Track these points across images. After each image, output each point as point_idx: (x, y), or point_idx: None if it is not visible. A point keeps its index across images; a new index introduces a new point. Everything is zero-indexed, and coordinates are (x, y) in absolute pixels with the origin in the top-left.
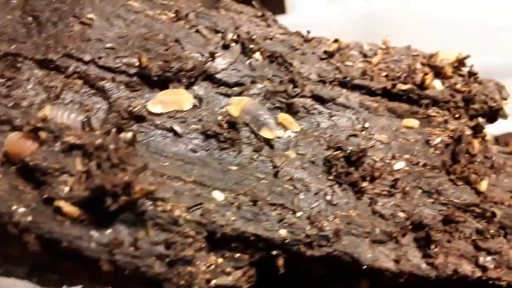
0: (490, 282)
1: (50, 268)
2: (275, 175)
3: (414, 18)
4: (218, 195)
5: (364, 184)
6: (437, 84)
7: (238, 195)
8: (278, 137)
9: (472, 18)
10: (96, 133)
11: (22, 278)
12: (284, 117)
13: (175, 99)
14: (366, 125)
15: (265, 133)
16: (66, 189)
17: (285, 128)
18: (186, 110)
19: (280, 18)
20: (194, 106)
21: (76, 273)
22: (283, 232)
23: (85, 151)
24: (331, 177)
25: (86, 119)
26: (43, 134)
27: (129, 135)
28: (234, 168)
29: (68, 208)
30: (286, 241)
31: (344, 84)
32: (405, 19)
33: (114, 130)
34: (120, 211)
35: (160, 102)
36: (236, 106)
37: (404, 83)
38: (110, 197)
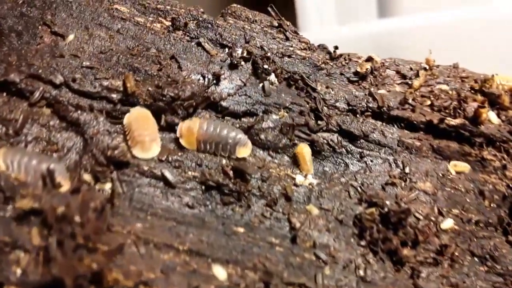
0: None
1: None
2: (293, 240)
3: (427, 37)
4: (220, 272)
5: (405, 251)
6: (493, 117)
7: (245, 270)
8: (296, 185)
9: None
10: (61, 192)
11: None
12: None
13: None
14: (407, 169)
15: (242, 153)
16: (18, 271)
17: (298, 167)
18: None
19: None
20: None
21: None
22: None
23: (44, 220)
24: (363, 243)
25: (50, 169)
26: None
27: (106, 190)
28: (241, 230)
29: None
30: None
31: (379, 115)
32: (418, 37)
33: (85, 188)
34: None
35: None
36: (187, 137)
37: (454, 116)
38: None
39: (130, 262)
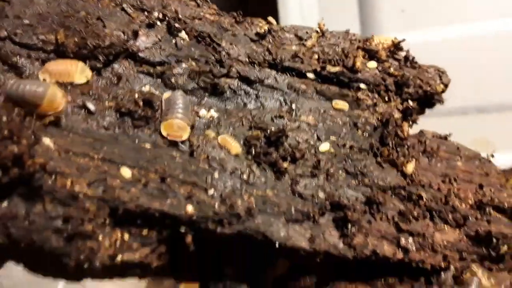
0: (414, 264)
1: None
2: (191, 154)
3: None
4: (126, 172)
5: (285, 164)
6: (372, 66)
7: (148, 173)
8: (199, 117)
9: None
10: None
11: None
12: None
13: (67, 70)
14: (293, 106)
15: (163, 128)
16: None
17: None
18: (83, 84)
19: None
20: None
21: None
22: (190, 208)
23: None
24: (249, 157)
25: None
26: None
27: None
28: (148, 146)
29: None
30: (193, 218)
31: (273, 66)
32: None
33: (9, 104)
34: (14, 184)
35: (48, 71)
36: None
37: (335, 65)
38: (0, 170)
39: (49, 158)
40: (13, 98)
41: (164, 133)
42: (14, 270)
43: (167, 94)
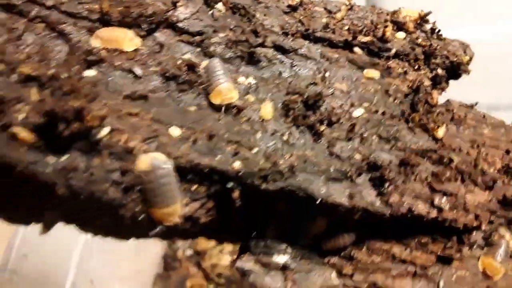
0: (447, 224)
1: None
2: (234, 116)
3: None
4: (175, 131)
5: (322, 127)
6: (401, 36)
7: (195, 132)
8: (238, 83)
9: None
10: (52, 66)
11: None
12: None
13: (116, 37)
14: (327, 74)
15: (213, 96)
16: (22, 116)
17: None
18: (131, 51)
19: None
20: (150, 50)
21: (35, 200)
22: (237, 164)
23: (40, 82)
24: (288, 120)
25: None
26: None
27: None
28: (193, 109)
29: (23, 133)
30: (240, 173)
31: (306, 36)
32: None
33: (71, 62)
34: (74, 138)
35: (100, 37)
36: None
37: (365, 35)
38: (63, 123)
39: (106, 114)
40: None
41: (216, 101)
42: (24, 268)
43: (205, 62)
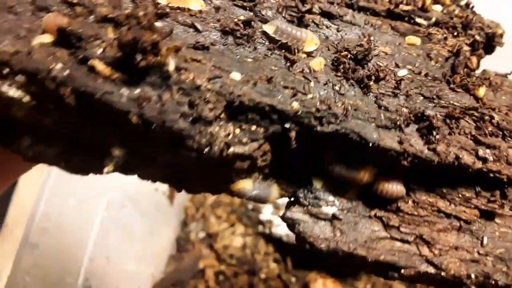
0: (491, 175)
1: (80, 145)
2: (288, 68)
3: None
4: (236, 75)
5: (370, 82)
6: (438, 8)
7: (255, 77)
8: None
9: None
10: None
11: (49, 161)
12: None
13: None
14: (371, 38)
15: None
16: (100, 50)
17: None
18: (198, 10)
19: None
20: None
21: (106, 134)
22: (295, 105)
23: (117, 22)
24: (339, 74)
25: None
26: (78, 9)
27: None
28: (250, 60)
29: (101, 66)
30: (298, 113)
31: (350, 5)
32: None
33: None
34: (148, 73)
35: None
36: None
37: (406, 5)
38: (140, 53)
39: (181, 46)
40: None
41: (311, 48)
42: (44, 242)
43: (266, 26)
